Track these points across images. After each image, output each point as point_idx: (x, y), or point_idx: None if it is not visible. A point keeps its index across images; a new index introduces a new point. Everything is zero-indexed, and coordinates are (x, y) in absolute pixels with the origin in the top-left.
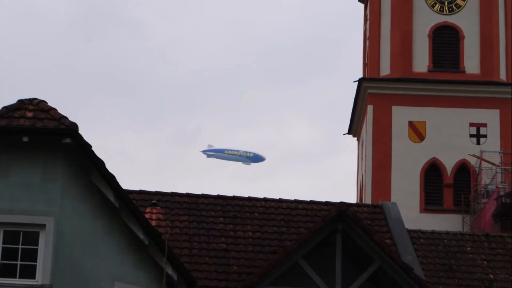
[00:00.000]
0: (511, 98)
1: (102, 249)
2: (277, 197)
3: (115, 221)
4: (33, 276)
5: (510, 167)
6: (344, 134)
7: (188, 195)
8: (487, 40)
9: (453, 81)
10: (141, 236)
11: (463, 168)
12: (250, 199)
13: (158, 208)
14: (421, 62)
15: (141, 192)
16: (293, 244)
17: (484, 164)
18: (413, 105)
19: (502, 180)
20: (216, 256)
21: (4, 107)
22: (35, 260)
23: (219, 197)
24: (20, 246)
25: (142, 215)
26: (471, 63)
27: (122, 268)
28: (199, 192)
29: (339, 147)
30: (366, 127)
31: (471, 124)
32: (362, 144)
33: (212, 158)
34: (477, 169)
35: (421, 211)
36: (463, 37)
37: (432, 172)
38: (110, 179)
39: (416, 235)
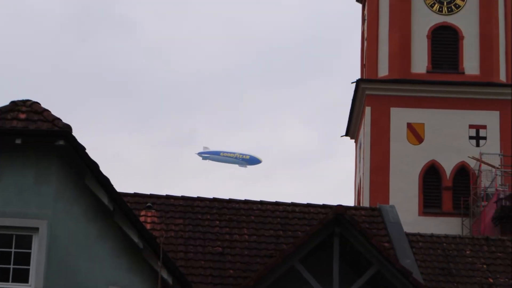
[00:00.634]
0: (511, 99)
1: (96, 252)
2: (274, 200)
3: (109, 224)
4: (26, 280)
5: (510, 170)
6: (341, 136)
7: (183, 198)
8: (487, 41)
9: (452, 82)
10: (136, 240)
11: (462, 171)
12: (246, 202)
13: (153, 211)
14: (419, 63)
15: (135, 195)
16: (289, 247)
17: (483, 166)
18: (412, 107)
19: (502, 182)
20: (211, 260)
21: None
22: (28, 264)
23: (215, 200)
24: (13, 250)
25: (137, 218)
26: (471, 64)
27: (116, 272)
28: (195, 195)
29: (337, 149)
30: (364, 129)
31: (471, 126)
32: (360, 146)
33: (208, 160)
34: (476, 172)
35: (419, 214)
36: (463, 37)
37: (431, 174)
38: (104, 182)
39: (414, 239)
